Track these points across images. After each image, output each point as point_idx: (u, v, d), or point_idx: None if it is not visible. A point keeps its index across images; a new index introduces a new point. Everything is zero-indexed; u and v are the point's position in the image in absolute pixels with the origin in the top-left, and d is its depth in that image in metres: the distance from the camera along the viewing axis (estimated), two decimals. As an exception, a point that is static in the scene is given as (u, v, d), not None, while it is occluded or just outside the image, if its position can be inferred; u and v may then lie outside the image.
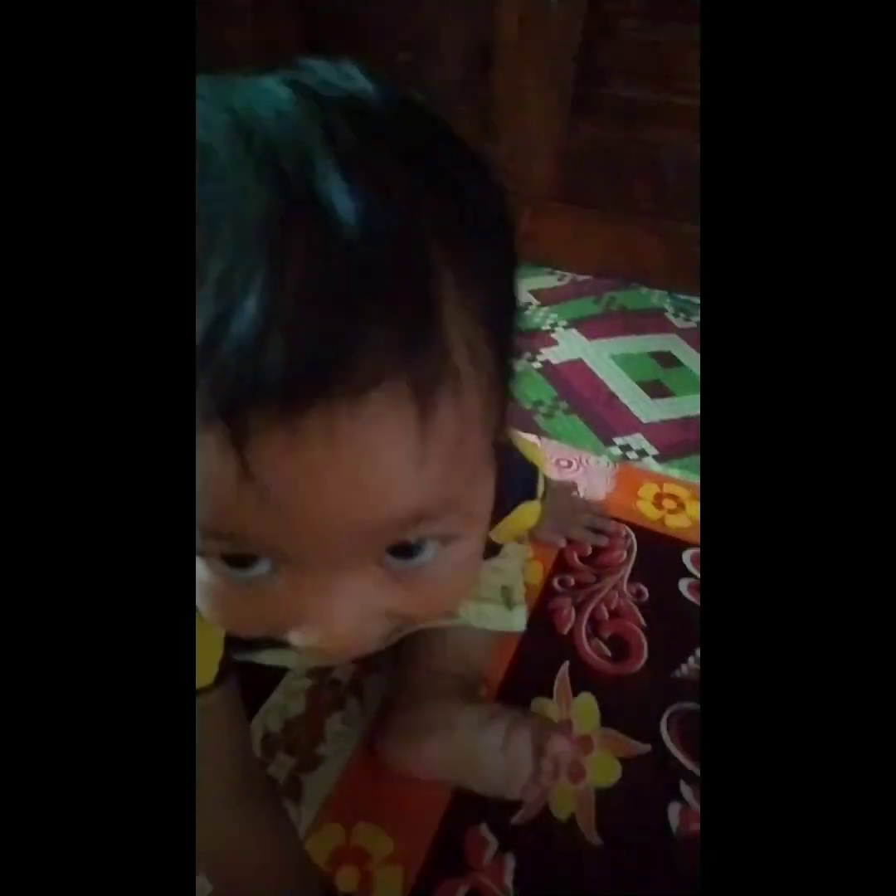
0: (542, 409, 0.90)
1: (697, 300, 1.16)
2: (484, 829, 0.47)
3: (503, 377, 0.24)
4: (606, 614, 0.62)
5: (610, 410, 0.90)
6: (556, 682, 0.56)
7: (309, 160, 0.19)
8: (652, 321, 1.11)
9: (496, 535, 0.48)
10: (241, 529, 0.21)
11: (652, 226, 1.18)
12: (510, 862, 0.45)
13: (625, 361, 1.00)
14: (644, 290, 1.19)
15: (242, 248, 0.18)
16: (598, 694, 0.55)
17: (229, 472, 0.19)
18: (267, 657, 0.48)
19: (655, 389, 0.95)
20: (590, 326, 1.08)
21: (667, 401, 0.93)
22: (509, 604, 0.56)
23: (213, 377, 0.18)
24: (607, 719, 0.53)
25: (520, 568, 0.59)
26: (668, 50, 1.07)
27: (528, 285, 1.20)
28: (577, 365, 0.99)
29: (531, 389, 0.94)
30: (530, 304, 1.15)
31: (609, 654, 0.58)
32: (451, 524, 0.24)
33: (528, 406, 0.90)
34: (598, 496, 0.75)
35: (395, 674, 0.53)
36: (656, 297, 1.18)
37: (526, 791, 0.46)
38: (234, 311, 0.18)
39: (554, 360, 1.00)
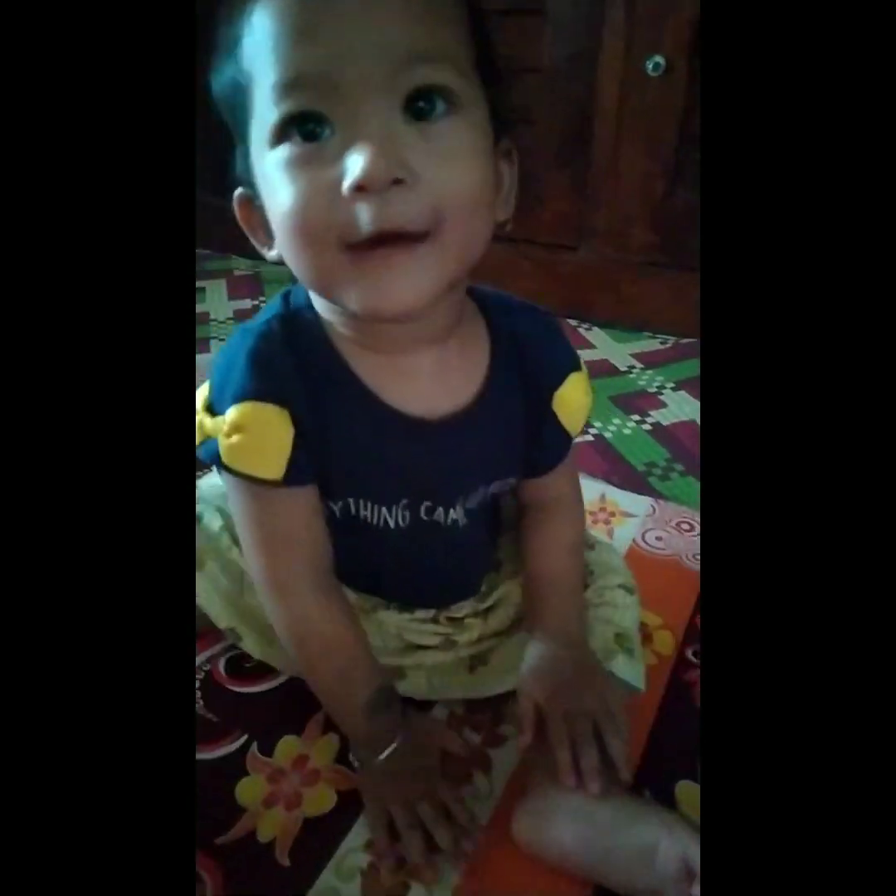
0: (656, 471, 0.87)
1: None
2: (635, 929, 0.42)
3: (472, 26, 0.36)
4: (751, 689, 0.56)
5: (729, 472, 0.86)
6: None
7: None
8: (764, 381, 1.07)
9: (560, 410, 0.49)
10: (318, 61, 0.33)
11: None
12: (669, 969, 0.40)
13: (740, 422, 0.96)
14: (752, 351, 1.16)
15: None
16: (752, 778, 0.49)
17: (307, 11, 0.33)
18: None
19: (776, 450, 0.90)
20: (697, 387, 1.05)
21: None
22: (629, 652, 0.52)
23: None
24: (765, 808, 0.48)
25: (633, 621, 0.55)
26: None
27: (631, 349, 1.19)
28: (690, 426, 0.96)
29: (643, 451, 0.91)
30: (633, 367, 1.13)
31: (759, 733, 0.53)
32: (449, 77, 0.34)
33: (640, 468, 0.87)
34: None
35: (527, 750, 0.50)
36: (766, 357, 1.14)
37: None
38: None
39: (664, 422, 0.97)
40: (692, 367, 1.11)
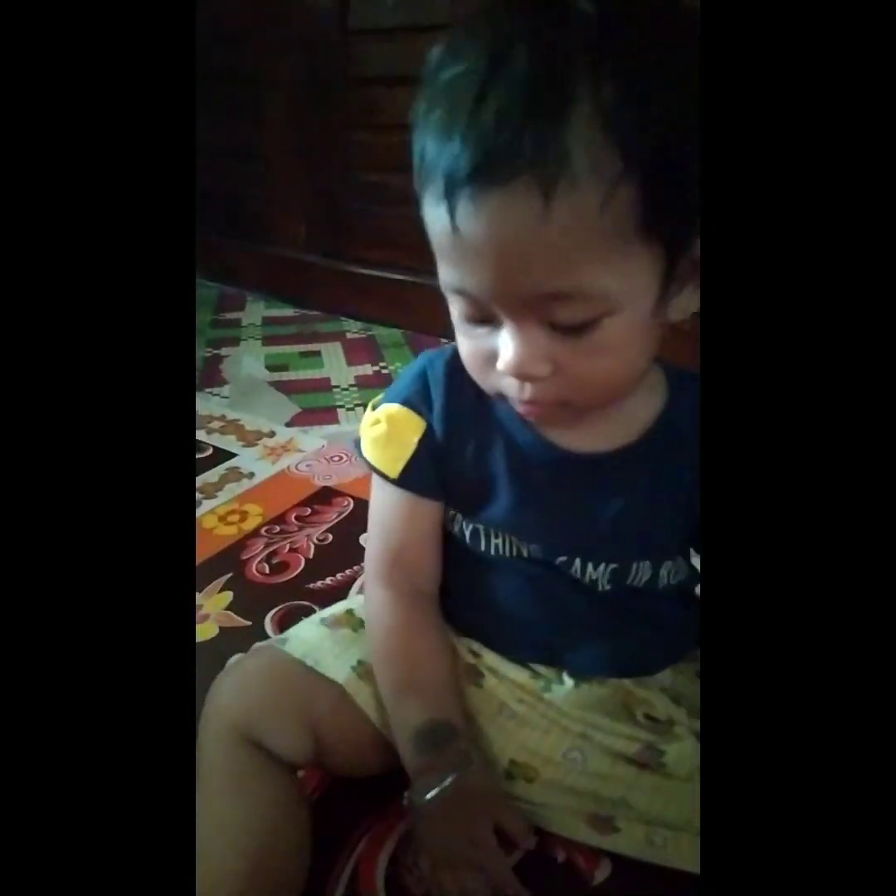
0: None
1: None
2: None
3: (643, 190, 0.32)
4: None
5: None
6: None
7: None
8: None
9: None
10: (464, 283, 0.36)
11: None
12: None
13: None
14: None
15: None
16: None
17: (450, 230, 0.34)
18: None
19: None
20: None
21: None
22: None
23: (443, 177, 0.33)
24: None
25: None
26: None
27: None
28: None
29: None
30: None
31: None
32: (588, 307, 0.35)
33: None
34: None
35: None
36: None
37: None
38: (446, 142, 0.33)
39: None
40: None
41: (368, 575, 0.51)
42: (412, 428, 0.48)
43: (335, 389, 1.23)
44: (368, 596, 0.51)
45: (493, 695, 0.49)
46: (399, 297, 1.49)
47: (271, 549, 0.80)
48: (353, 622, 0.52)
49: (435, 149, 0.33)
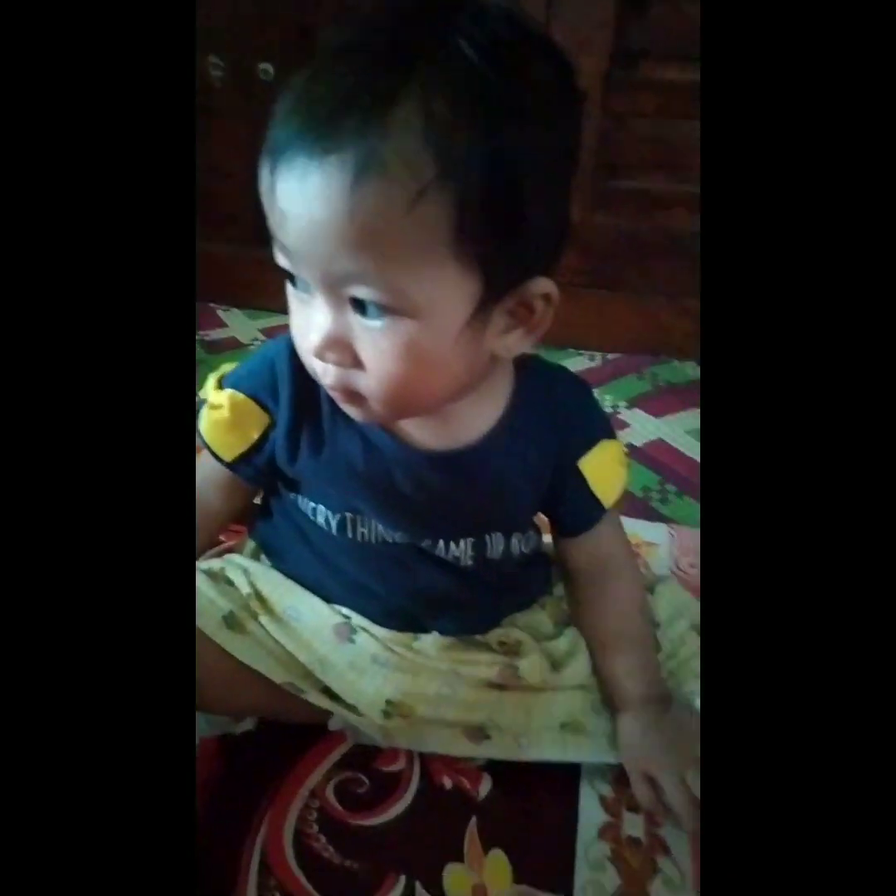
0: (654, 495, 0.90)
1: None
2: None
3: (457, 208, 0.34)
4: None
5: (716, 488, 0.91)
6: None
7: None
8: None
9: (589, 476, 0.51)
10: (280, 240, 0.37)
11: (672, 303, 1.24)
12: None
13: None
14: (675, 363, 1.23)
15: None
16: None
17: (268, 190, 0.36)
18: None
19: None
20: (650, 404, 1.10)
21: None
22: None
23: (272, 140, 0.35)
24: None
25: None
26: (675, 144, 1.15)
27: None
28: (660, 444, 1.00)
29: (633, 476, 0.93)
30: (577, 387, 1.15)
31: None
32: (382, 294, 0.36)
33: (639, 494, 0.89)
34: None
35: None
36: (691, 369, 1.22)
37: None
38: (284, 109, 0.35)
39: (636, 443, 1.00)
40: (633, 385, 1.16)
41: None
42: (254, 422, 0.49)
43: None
44: None
45: (365, 649, 0.52)
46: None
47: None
48: (226, 578, 0.54)
49: (276, 116, 0.35)
